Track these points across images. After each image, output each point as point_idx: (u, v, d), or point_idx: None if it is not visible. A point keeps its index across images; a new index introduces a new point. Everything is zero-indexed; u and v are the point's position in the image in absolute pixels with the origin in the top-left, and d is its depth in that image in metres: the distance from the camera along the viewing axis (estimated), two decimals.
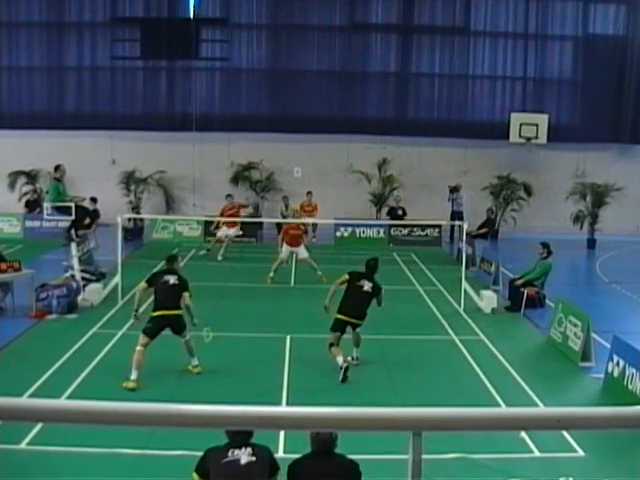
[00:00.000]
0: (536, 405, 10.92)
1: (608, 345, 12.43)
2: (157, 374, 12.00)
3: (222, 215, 23.40)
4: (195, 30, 29.17)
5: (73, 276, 16.86)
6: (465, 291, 17.39)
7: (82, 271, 17.52)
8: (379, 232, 27.00)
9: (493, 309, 16.86)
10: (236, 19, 29.61)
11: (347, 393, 11.35)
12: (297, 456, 6.72)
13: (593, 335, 13.21)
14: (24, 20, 29.19)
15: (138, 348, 11.56)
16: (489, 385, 11.92)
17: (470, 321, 16.01)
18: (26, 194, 28.37)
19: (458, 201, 27.91)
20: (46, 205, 22.47)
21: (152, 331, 11.69)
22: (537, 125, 28.67)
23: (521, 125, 28.72)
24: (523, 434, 9.43)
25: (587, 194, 27.67)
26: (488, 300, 17.02)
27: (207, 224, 25.82)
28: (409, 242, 26.39)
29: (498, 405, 10.92)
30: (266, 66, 29.96)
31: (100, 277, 18.45)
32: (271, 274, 19.52)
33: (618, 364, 11.41)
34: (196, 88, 29.70)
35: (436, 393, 11.52)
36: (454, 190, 27.98)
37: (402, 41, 29.98)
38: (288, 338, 14.08)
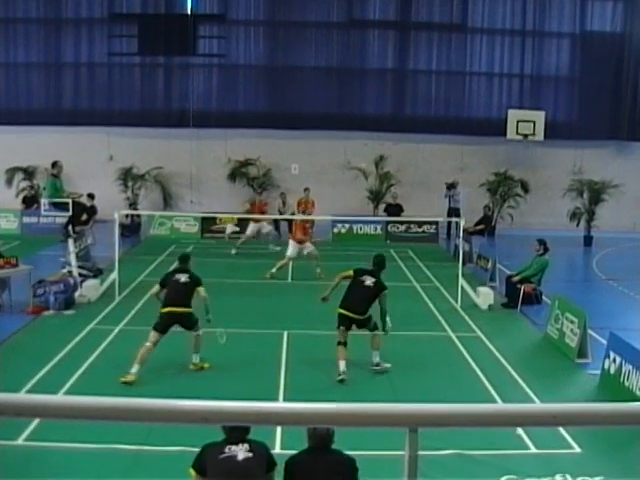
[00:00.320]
0: (533, 401, 10.93)
1: (605, 342, 12.46)
2: (154, 370, 11.99)
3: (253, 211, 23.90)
4: (192, 26, 29.13)
5: (70, 272, 16.85)
6: (462, 288, 17.41)
7: (79, 267, 17.51)
8: (376, 228, 27.01)
9: (490, 306, 16.87)
10: (234, 15, 29.57)
11: (344, 389, 11.37)
12: (294, 452, 6.73)
13: (590, 332, 13.23)
14: (21, 16, 29.14)
15: (147, 344, 11.64)
16: (486, 381, 11.94)
17: (467, 318, 16.03)
18: (23, 190, 28.32)
19: (455, 198, 27.93)
20: (43, 201, 22.45)
21: (161, 327, 11.80)
22: (534, 122, 28.69)
23: (518, 122, 28.74)
24: (520, 430, 9.43)
25: (584, 191, 27.68)
26: (485, 297, 17.04)
27: (204, 220, 25.90)
28: (406, 238, 26.42)
29: (495, 401, 10.92)
30: (264, 62, 29.93)
31: (97, 273, 18.43)
32: (273, 270, 19.51)
33: (614, 361, 11.43)
34: (193, 84, 29.67)
35: (433, 389, 11.53)
36: (451, 187, 27.98)
37: (400, 38, 29.96)
38: (285, 334, 14.08)
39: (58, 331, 14.14)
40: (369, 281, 12.23)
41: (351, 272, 12.53)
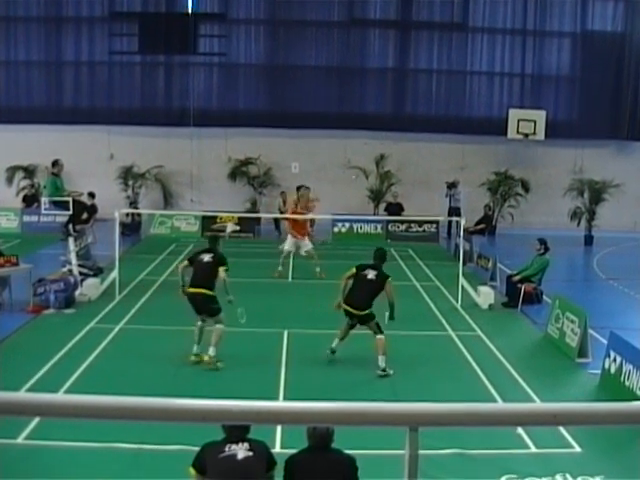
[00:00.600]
0: (533, 401, 10.92)
1: (605, 341, 12.44)
2: (154, 368, 12.01)
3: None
4: (193, 25, 29.13)
5: (71, 271, 16.86)
6: (462, 287, 17.41)
7: (80, 266, 17.51)
8: (376, 228, 27.01)
9: (490, 305, 16.86)
10: (234, 14, 29.58)
11: (344, 388, 11.36)
12: (294, 451, 6.73)
13: (590, 331, 13.22)
14: (22, 14, 29.14)
15: (197, 324, 12.31)
16: (486, 381, 11.93)
17: (467, 317, 16.03)
18: (24, 189, 28.35)
19: (455, 197, 27.93)
20: (44, 200, 22.46)
21: (193, 308, 12.25)
22: (535, 121, 28.69)
23: (519, 121, 28.73)
24: (520, 430, 9.43)
25: (585, 190, 27.69)
26: (485, 296, 17.03)
27: (204, 219, 25.92)
28: (406, 238, 26.41)
29: (495, 401, 10.92)
30: (264, 61, 29.94)
31: (98, 272, 18.43)
32: (280, 268, 19.56)
33: (615, 360, 11.43)
34: (194, 83, 29.68)
35: (433, 389, 11.52)
36: (452, 186, 27.99)
37: (400, 37, 29.97)
38: (286, 333, 14.07)
39: (58, 330, 14.13)
40: (371, 274, 12.27)
41: (353, 270, 12.53)
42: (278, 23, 29.73)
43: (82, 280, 16.91)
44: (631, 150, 30.21)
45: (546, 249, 17.47)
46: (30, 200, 27.66)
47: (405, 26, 29.84)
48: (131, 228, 26.27)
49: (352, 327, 12.36)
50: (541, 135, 28.75)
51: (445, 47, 29.92)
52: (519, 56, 30.00)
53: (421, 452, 2.48)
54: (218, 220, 26.03)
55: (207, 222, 26.22)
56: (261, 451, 6.52)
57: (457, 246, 21.55)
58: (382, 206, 28.84)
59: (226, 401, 2.42)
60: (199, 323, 12.32)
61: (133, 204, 28.35)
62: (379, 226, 27.00)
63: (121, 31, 29.38)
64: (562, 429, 9.48)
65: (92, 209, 24.00)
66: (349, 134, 29.38)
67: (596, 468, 8.81)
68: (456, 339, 14.35)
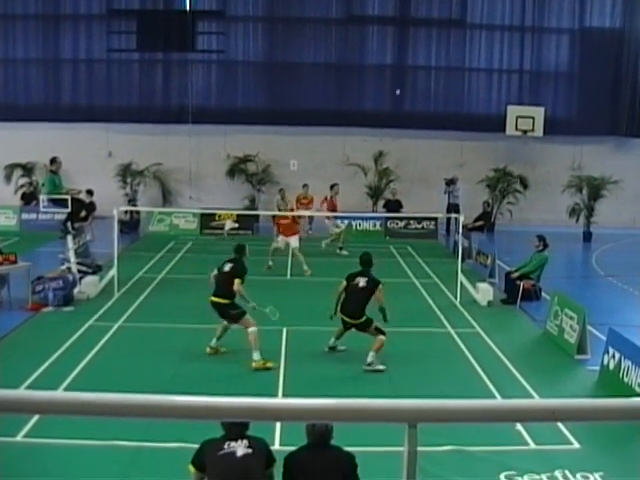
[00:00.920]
0: (531, 397, 10.93)
1: (604, 338, 12.45)
2: (153, 366, 12.02)
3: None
4: (191, 22, 29.09)
5: (69, 269, 16.85)
6: (461, 284, 17.40)
7: (78, 264, 17.51)
8: (375, 225, 27.00)
9: (489, 302, 16.87)
10: (232, 11, 29.55)
11: (343, 385, 11.38)
12: (293, 448, 6.74)
13: (589, 328, 13.23)
14: (20, 12, 29.11)
15: (223, 322, 12.48)
16: (485, 377, 11.94)
17: (466, 314, 16.03)
18: (22, 186, 28.31)
19: (454, 194, 27.92)
20: (42, 197, 22.49)
21: (217, 314, 12.41)
22: (533, 118, 28.67)
23: (517, 118, 28.72)
24: (519, 426, 9.45)
25: (583, 187, 27.68)
26: (484, 293, 17.04)
27: (203, 217, 25.92)
28: (405, 235, 26.39)
29: (493, 397, 10.94)
30: (263, 59, 29.92)
31: (96, 270, 18.44)
32: (270, 263, 19.66)
33: (614, 357, 11.43)
34: (192, 81, 29.65)
35: (432, 385, 11.54)
36: (450, 183, 27.98)
37: (399, 34, 29.95)
38: (284, 330, 14.07)
39: (57, 328, 14.13)
40: (362, 282, 12.39)
41: (344, 282, 12.61)
42: (276, 20, 29.70)
43: (81, 278, 16.91)
44: (630, 146, 30.20)
45: (545, 246, 17.48)
46: (29, 198, 27.63)
47: (403, 23, 29.82)
48: (130, 226, 26.25)
49: (348, 330, 12.47)
50: (540, 132, 28.74)
51: (443, 44, 29.90)
52: (517, 53, 29.99)
53: (420, 449, 2.48)
54: (217, 217, 26.03)
55: (206, 220, 26.21)
56: (260, 448, 6.52)
57: (456, 243, 21.52)
58: (381, 203, 28.84)
59: (225, 398, 2.42)
60: (225, 322, 12.46)
61: (132, 202, 28.33)
62: (378, 223, 26.99)
63: (119, 29, 29.32)
64: (561, 425, 9.50)
65: (90, 207, 24.01)
66: (348, 131, 29.36)
67: (595, 464, 8.83)
68: (455, 336, 14.36)
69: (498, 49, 30.03)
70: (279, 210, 22.68)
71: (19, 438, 8.97)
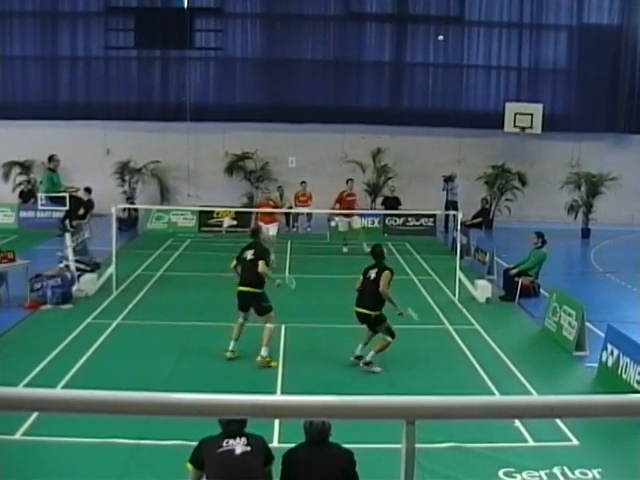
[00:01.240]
0: (530, 394, 10.92)
1: (602, 334, 12.45)
2: (152, 363, 12.01)
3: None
4: (189, 20, 29.07)
5: (67, 266, 16.83)
6: (460, 281, 17.40)
7: (76, 261, 17.49)
8: (373, 222, 26.98)
9: (487, 298, 16.87)
10: (230, 8, 29.52)
11: (341, 382, 11.37)
12: (291, 446, 6.73)
13: (587, 324, 13.24)
14: (17, 9, 29.07)
15: (238, 320, 12.32)
16: (483, 374, 11.95)
17: (465, 310, 16.03)
18: (20, 184, 28.29)
19: (453, 191, 27.88)
20: (40, 195, 22.48)
21: (239, 305, 12.30)
22: (532, 115, 28.67)
23: (516, 115, 28.71)
24: (517, 423, 9.45)
25: (582, 184, 27.69)
26: (482, 289, 17.04)
27: (201, 214, 25.87)
28: (404, 232, 26.38)
29: (492, 394, 10.93)
30: (261, 56, 29.89)
31: (95, 267, 18.41)
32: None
33: (612, 353, 11.44)
34: (190, 78, 29.62)
35: (430, 382, 11.54)
36: (449, 180, 27.95)
37: (397, 31, 29.94)
38: (283, 328, 14.05)
39: (55, 325, 14.13)
40: (373, 274, 12.29)
41: (360, 277, 12.54)
42: (274, 17, 29.67)
43: (79, 276, 16.90)
44: (628, 143, 30.21)
45: (543, 242, 17.49)
46: (27, 196, 27.60)
47: (402, 20, 29.81)
48: (128, 223, 26.23)
49: (362, 322, 12.30)
50: (538, 128, 28.74)
51: (441, 41, 29.87)
52: (516, 49, 29.98)
53: (418, 445, 2.48)
54: (215, 215, 26.01)
55: (204, 217, 26.18)
56: (259, 446, 6.51)
57: (454, 240, 21.51)
58: (379, 200, 28.82)
59: (224, 395, 2.42)
60: (240, 320, 12.33)
61: (130, 199, 28.30)
62: (376, 220, 26.97)
63: (117, 26, 29.30)
64: (559, 422, 9.50)
65: (89, 204, 23.98)
66: (346, 128, 29.34)
67: (594, 461, 8.83)
68: (453, 333, 14.36)
69: (496, 46, 30.02)
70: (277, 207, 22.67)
71: (18, 436, 8.97)
